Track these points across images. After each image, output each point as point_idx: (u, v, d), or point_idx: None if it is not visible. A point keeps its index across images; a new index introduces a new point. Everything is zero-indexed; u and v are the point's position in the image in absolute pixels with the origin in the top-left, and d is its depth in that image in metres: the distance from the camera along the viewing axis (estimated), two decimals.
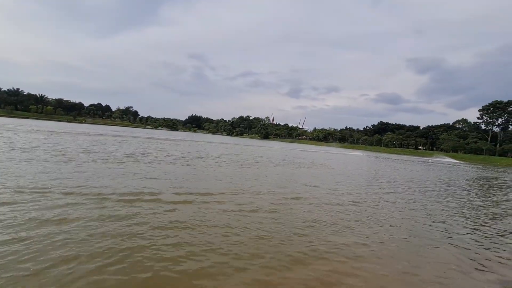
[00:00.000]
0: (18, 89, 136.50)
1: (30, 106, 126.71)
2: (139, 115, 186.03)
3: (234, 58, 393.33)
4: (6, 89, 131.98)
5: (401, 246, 4.79)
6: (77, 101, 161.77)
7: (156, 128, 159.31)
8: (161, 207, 5.65)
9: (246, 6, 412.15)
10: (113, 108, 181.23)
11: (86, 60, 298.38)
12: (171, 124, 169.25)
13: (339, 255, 4.11)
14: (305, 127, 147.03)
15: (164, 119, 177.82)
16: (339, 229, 5.37)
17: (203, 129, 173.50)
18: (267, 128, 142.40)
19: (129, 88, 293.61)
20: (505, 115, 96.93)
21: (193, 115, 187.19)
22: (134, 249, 3.69)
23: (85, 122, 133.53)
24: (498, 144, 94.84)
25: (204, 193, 7.24)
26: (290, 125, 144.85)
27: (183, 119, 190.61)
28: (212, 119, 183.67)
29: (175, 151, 20.58)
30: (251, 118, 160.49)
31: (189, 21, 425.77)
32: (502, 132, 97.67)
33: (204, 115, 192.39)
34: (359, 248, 4.43)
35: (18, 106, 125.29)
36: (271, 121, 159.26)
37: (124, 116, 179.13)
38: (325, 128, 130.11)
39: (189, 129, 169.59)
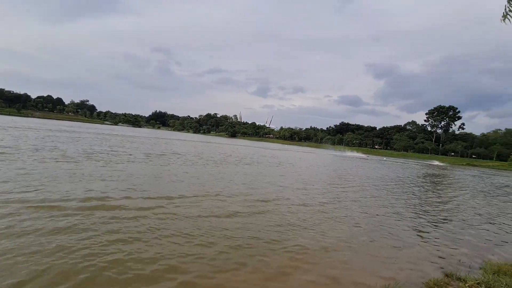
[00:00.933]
0: None
1: None
2: (96, 109, 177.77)
3: (201, 54, 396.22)
4: None
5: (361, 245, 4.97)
6: (21, 92, 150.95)
7: (116, 124, 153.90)
8: (111, 214, 5.03)
9: (214, 2, 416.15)
10: (66, 101, 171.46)
11: (35, 47, 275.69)
12: (133, 120, 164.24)
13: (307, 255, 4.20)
14: (272, 126, 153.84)
15: (125, 114, 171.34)
16: (309, 231, 5.40)
17: (168, 126, 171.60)
18: (234, 126, 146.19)
19: (86, 80, 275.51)
20: (446, 119, 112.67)
21: (158, 111, 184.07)
22: (65, 267, 3.14)
23: (32, 116, 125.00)
24: (440, 144, 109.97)
25: (165, 197, 6.67)
26: (257, 123, 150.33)
27: (147, 115, 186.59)
28: (178, 116, 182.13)
29: (136, 149, 19.44)
30: (218, 116, 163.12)
31: (153, 12, 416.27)
32: (444, 133, 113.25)
33: (170, 112, 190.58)
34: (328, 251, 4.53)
35: None
36: (239, 120, 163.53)
37: (79, 110, 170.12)
38: (291, 127, 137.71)
39: (153, 126, 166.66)
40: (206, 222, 5.17)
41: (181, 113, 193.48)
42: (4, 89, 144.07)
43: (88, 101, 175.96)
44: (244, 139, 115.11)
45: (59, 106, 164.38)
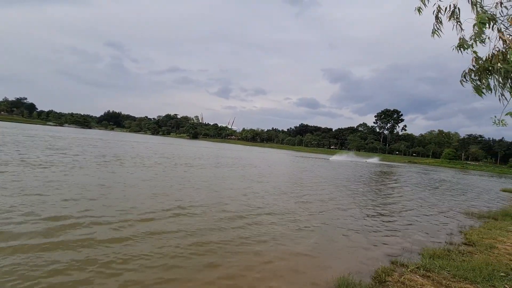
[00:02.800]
0: None
1: None
2: (37, 109, 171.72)
3: (160, 52, 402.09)
4: None
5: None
6: None
7: (61, 125, 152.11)
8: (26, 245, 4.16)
9: None
10: None
11: None
12: (82, 121, 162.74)
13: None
14: (234, 127, 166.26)
15: (72, 114, 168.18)
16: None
17: (123, 127, 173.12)
18: (196, 128, 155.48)
19: (22, 75, 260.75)
20: (392, 121, 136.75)
21: (111, 111, 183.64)
22: None
23: None
24: (387, 144, 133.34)
25: (112, 216, 5.91)
26: (219, 125, 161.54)
27: (98, 115, 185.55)
28: (134, 117, 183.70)
29: (82, 152, 18.59)
30: (179, 116, 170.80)
31: (104, 3, 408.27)
32: (389, 134, 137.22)
33: (125, 112, 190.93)
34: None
35: None
36: (200, 121, 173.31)
37: (15, 109, 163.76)
38: (253, 128, 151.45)
39: (106, 127, 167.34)
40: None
41: (138, 114, 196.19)
42: None
43: (26, 98, 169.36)
44: (206, 141, 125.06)
45: None
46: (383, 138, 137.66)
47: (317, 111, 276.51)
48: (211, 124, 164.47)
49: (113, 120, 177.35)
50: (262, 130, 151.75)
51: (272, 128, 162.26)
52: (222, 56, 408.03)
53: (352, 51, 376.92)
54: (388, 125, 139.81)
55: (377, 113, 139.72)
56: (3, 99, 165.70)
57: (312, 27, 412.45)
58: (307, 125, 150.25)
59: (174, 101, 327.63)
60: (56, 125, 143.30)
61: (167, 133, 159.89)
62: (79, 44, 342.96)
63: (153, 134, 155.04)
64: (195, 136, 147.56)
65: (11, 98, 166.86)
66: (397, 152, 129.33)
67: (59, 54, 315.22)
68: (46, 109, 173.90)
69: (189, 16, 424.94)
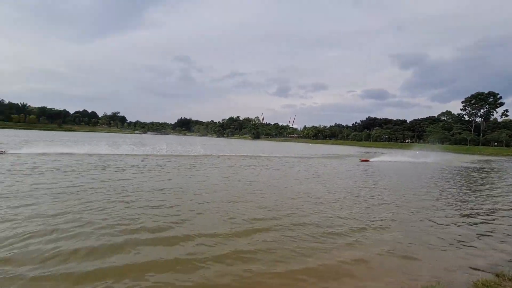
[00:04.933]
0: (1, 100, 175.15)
1: (12, 116, 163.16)
2: (127, 120, 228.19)
3: (220, 59, 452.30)
4: None
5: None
6: (61, 109, 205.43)
7: (145, 132, 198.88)
8: None
9: (228, 6, 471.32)
10: (100, 114, 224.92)
11: (69, 66, 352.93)
12: (160, 128, 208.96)
13: None
14: (295, 126, 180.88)
15: (152, 123, 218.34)
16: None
17: (193, 131, 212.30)
18: (257, 128, 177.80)
19: (115, 93, 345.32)
20: (487, 106, 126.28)
21: (182, 118, 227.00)
22: None
23: (71, 130, 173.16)
24: (481, 134, 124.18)
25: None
26: (280, 124, 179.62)
27: (172, 122, 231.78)
28: (202, 121, 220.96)
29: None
30: (241, 118, 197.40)
31: (173, 23, 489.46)
32: (484, 122, 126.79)
33: (194, 118, 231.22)
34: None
35: None
36: (261, 121, 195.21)
37: (112, 122, 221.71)
38: (315, 125, 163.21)
39: (179, 132, 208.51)
40: None
41: (204, 118, 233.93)
42: (46, 106, 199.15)
43: (119, 112, 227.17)
44: (269, 140, 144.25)
45: (93, 119, 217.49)
46: (474, 127, 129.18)
47: (386, 102, 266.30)
48: (272, 123, 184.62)
49: (185, 126, 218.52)
50: (325, 127, 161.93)
51: (336, 124, 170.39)
52: (279, 56, 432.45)
53: (426, 31, 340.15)
54: (482, 111, 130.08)
55: (466, 98, 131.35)
56: (103, 114, 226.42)
57: (373, 12, 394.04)
58: (375, 118, 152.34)
59: (236, 104, 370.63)
60: (141, 133, 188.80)
61: (231, 135, 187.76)
62: (154, 62, 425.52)
63: (218, 136, 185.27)
64: (257, 137, 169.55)
65: (109, 113, 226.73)
66: (495, 143, 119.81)
67: (139, 73, 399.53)
68: (133, 120, 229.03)
69: (245, 21, 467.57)
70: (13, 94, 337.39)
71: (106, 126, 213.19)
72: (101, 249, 5.04)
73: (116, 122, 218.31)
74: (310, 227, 6.85)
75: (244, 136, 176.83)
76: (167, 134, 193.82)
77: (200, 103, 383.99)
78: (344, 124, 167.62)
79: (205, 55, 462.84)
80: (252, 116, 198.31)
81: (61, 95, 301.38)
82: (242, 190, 11.21)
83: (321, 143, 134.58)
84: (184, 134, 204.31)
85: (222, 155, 28.75)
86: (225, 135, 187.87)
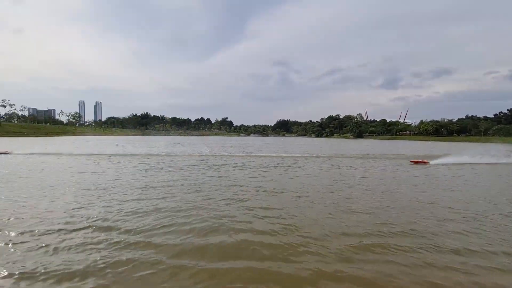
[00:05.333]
0: (146, 113, 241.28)
1: (155, 125, 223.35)
2: (233, 124, 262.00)
3: (318, 57, 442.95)
4: (139, 114, 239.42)
5: None
6: (185, 117, 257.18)
7: (248, 135, 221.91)
8: None
9: (322, 2, 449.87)
10: (213, 120, 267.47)
11: (191, 82, 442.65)
12: (262, 130, 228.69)
13: None
14: (407, 121, 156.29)
15: (255, 126, 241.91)
16: None
17: (292, 132, 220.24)
18: (360, 126, 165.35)
19: (224, 101, 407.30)
20: None
21: (281, 120, 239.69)
22: None
23: (191, 135, 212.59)
24: None
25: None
26: (388, 120, 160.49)
27: (272, 124, 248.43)
28: (300, 122, 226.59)
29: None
30: (341, 117, 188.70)
31: (271, 30, 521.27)
32: None
33: (292, 119, 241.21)
34: None
35: (147, 126, 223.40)
36: (365, 118, 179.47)
37: (222, 126, 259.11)
38: (435, 119, 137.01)
39: (278, 134, 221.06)
40: None
41: (302, 119, 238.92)
42: (176, 116, 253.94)
43: (227, 118, 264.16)
44: (373, 139, 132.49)
45: (208, 125, 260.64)
46: None
47: None
48: (378, 120, 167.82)
49: (284, 127, 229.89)
50: (450, 120, 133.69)
51: (467, 116, 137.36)
52: (384, 43, 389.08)
53: None
54: None
55: None
56: (215, 120, 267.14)
57: None
58: None
59: (335, 102, 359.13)
60: (245, 135, 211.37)
61: (330, 134, 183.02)
62: (255, 69, 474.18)
63: (317, 136, 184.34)
64: (359, 135, 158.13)
65: (219, 119, 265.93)
66: None
67: (243, 81, 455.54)
68: (238, 124, 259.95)
69: (343, 11, 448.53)
70: (154, 109, 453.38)
71: (217, 130, 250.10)
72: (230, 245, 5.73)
73: (225, 127, 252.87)
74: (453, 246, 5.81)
75: (345, 135, 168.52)
76: (267, 136, 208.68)
77: (298, 104, 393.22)
78: (480, 115, 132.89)
79: (303, 56, 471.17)
80: (353, 113, 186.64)
81: (185, 106, 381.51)
82: (349, 195, 10.51)
83: (447, 140, 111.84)
84: (283, 135, 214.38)
85: (320, 156, 28.67)
86: (324, 135, 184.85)
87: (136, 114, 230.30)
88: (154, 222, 6.83)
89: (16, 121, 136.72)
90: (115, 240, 5.68)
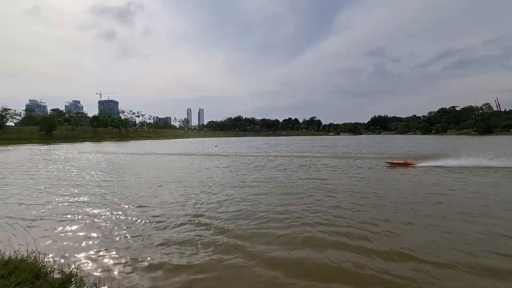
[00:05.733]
0: (239, 116, 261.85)
1: (247, 127, 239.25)
2: (322, 123, 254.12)
3: (423, 41, 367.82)
4: (233, 117, 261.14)
5: None
6: (274, 119, 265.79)
7: (338, 134, 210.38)
8: None
9: None
10: (300, 120, 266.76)
11: (279, 84, 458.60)
12: (353, 129, 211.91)
13: None
14: None
15: (345, 124, 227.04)
16: None
17: (390, 129, 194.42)
18: (487, 119, 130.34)
19: (311, 100, 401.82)
20: None
21: (376, 116, 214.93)
22: None
23: (280, 135, 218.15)
24: None
25: None
26: None
27: (365, 121, 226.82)
28: (400, 117, 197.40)
29: None
30: (457, 109, 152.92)
31: (362, 19, 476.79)
32: None
33: (390, 114, 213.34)
34: None
35: (240, 128, 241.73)
36: (495, 108, 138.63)
37: (309, 126, 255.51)
38: None
39: (373, 132, 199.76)
40: None
41: (404, 114, 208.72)
42: (265, 118, 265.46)
43: (315, 117, 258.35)
44: (510, 135, 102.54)
45: (296, 125, 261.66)
46: None
47: None
48: None
49: (380, 124, 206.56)
50: None
51: None
52: None
53: None
54: None
55: None
56: (302, 120, 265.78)
57: None
58: None
59: (448, 92, 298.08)
60: (334, 135, 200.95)
61: (442, 131, 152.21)
62: (344, 64, 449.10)
63: (423, 133, 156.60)
64: (487, 130, 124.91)
65: (307, 118, 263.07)
66: None
67: (331, 77, 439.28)
68: (327, 123, 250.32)
69: None
70: (246, 112, 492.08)
71: (305, 130, 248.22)
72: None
73: (313, 126, 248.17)
74: None
75: (465, 131, 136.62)
76: (359, 134, 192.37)
77: (397, 97, 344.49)
78: None
79: (403, 42, 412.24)
80: (475, 103, 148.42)
81: (274, 108, 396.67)
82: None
83: None
84: (379, 133, 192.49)
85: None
86: (433, 131, 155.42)
87: (230, 118, 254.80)
88: (246, 221, 6.96)
89: (145, 127, 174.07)
90: (207, 238, 5.80)
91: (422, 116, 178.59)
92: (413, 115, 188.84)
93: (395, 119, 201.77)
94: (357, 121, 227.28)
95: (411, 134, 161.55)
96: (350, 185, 11.28)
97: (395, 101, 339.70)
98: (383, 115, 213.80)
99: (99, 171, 16.38)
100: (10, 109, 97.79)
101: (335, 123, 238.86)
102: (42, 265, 3.84)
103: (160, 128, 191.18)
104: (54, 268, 3.86)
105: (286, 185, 11.19)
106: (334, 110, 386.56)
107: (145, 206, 7.97)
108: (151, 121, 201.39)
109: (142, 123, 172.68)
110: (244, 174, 14.39)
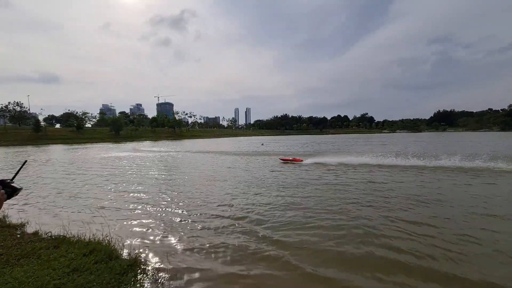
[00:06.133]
0: (286, 114, 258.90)
1: (293, 125, 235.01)
2: (374, 120, 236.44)
3: (505, 20, 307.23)
4: (279, 115, 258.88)
5: None
6: (321, 116, 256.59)
7: (393, 131, 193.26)
8: None
9: None
10: (350, 117, 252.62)
11: (326, 81, 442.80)
12: (412, 126, 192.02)
13: None
14: None
15: (402, 120, 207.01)
16: None
17: (457, 126, 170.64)
18: None
19: (363, 95, 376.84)
20: None
21: (441, 111, 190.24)
22: None
23: (328, 133, 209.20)
24: None
25: None
26: None
27: (427, 117, 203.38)
28: (471, 112, 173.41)
29: None
30: None
31: (425, 4, 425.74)
32: None
33: (458, 109, 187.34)
34: None
35: (286, 127, 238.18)
36: None
37: (360, 123, 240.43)
38: None
39: (436, 129, 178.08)
40: None
41: (474, 108, 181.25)
42: (312, 116, 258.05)
43: (367, 114, 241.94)
44: None
45: (345, 122, 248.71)
46: None
47: None
48: None
49: (445, 120, 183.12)
50: None
51: None
52: None
53: None
54: None
55: None
56: (353, 117, 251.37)
57: None
58: None
59: None
60: (389, 132, 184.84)
61: None
62: (401, 54, 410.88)
63: (502, 130, 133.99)
64: None
65: (358, 115, 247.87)
66: None
67: (385, 70, 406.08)
68: (381, 120, 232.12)
69: None
70: (293, 110, 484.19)
71: (355, 127, 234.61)
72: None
73: (364, 123, 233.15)
74: None
75: None
76: (419, 132, 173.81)
77: (466, 89, 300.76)
78: None
79: (477, 24, 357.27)
80: None
81: (321, 105, 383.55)
82: None
83: None
84: (444, 130, 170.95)
85: None
86: None
87: (276, 116, 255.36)
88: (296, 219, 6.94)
89: (197, 127, 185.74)
90: (256, 235, 5.86)
91: (500, 110, 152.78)
92: (489, 109, 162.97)
93: (464, 114, 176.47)
94: (417, 117, 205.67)
95: (484, 131, 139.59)
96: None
97: (463, 93, 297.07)
98: (448, 110, 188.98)
99: (159, 168, 18.12)
100: (88, 113, 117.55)
101: (390, 120, 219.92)
102: (114, 247, 4.49)
103: (209, 128, 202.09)
104: (123, 251, 4.49)
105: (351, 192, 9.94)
106: (388, 105, 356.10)
107: (204, 204, 8.53)
108: (202, 121, 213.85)
109: (194, 123, 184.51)
110: (293, 174, 14.34)
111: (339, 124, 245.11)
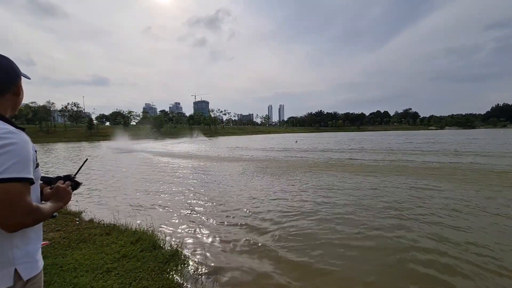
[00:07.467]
0: (320, 110, 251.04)
1: (328, 122, 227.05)
2: (419, 116, 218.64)
3: None
4: (314, 112, 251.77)
5: None
6: (359, 112, 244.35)
7: (442, 128, 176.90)
8: None
9: None
10: (391, 113, 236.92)
11: (364, 75, 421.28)
12: (464, 121, 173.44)
13: None
14: None
15: (452, 116, 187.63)
16: None
17: None
18: None
19: (406, 90, 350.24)
20: None
21: (500, 105, 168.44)
22: None
23: (367, 130, 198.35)
24: None
25: None
26: None
27: (483, 112, 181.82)
28: None
29: None
30: None
31: None
32: None
33: None
34: None
35: (321, 124, 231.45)
36: None
37: (403, 119, 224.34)
38: None
39: (494, 125, 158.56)
40: None
41: None
42: (349, 112, 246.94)
43: (410, 109, 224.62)
44: None
45: (385, 119, 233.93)
46: None
47: None
48: None
49: (505, 115, 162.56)
50: None
51: None
52: None
53: None
54: None
55: None
56: (394, 113, 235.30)
57: None
58: None
59: None
60: (436, 129, 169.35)
61: None
62: (452, 43, 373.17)
63: None
64: None
65: (400, 111, 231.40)
66: None
67: (432, 61, 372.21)
68: (427, 115, 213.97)
69: None
70: (328, 106, 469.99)
71: (397, 124, 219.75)
72: None
73: (407, 119, 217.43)
74: None
75: None
76: (473, 128, 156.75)
77: None
78: None
79: None
80: None
81: (359, 101, 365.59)
82: None
83: None
84: (504, 126, 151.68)
85: None
86: None
87: (311, 113, 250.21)
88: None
89: (231, 124, 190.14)
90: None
91: None
92: None
93: None
94: (469, 112, 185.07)
95: None
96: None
97: None
98: (510, 103, 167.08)
99: (198, 169, 18.96)
100: (133, 112, 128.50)
101: (438, 115, 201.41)
102: (157, 238, 4.82)
103: (243, 125, 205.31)
104: (165, 242, 4.79)
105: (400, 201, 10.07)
106: (437, 99, 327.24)
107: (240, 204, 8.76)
108: (236, 118, 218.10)
109: (228, 121, 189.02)
110: (332, 174, 13.86)
111: (378, 121, 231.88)
